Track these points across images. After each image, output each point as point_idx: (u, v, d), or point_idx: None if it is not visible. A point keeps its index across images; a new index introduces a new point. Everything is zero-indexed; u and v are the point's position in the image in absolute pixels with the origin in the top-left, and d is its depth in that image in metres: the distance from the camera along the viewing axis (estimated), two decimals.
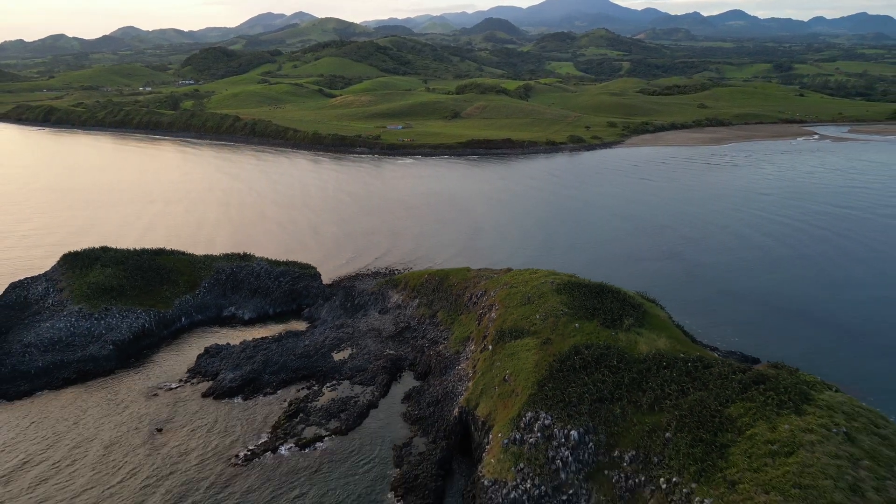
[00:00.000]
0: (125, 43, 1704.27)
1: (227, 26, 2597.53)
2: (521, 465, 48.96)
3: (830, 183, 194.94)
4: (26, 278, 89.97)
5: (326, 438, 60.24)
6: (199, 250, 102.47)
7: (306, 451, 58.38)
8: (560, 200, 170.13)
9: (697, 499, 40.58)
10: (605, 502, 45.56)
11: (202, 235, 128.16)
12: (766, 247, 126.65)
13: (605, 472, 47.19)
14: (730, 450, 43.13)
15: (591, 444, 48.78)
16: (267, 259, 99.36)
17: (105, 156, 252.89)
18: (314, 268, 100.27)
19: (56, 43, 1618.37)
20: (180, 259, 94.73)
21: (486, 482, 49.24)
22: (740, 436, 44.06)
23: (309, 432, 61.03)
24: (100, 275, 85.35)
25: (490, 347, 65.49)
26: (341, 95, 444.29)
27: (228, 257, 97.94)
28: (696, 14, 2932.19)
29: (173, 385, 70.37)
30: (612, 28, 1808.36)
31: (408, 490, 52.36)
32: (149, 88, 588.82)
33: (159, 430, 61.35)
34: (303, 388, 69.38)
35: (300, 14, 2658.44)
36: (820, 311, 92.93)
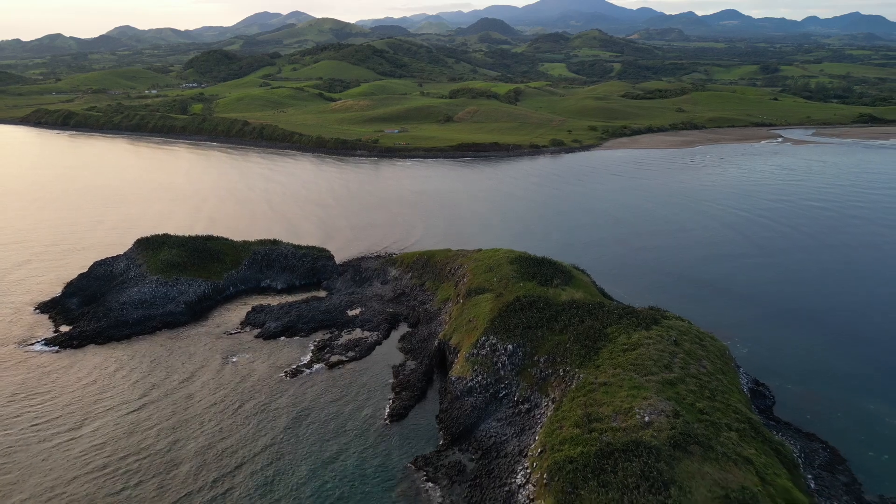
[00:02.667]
0: (122, 42, 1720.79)
1: (224, 25, 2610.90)
2: (476, 367, 75.64)
3: (775, 180, 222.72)
4: (107, 258, 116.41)
5: (346, 362, 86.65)
6: (237, 237, 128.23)
7: (333, 369, 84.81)
8: (532, 196, 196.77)
9: (577, 376, 67.15)
10: (526, 387, 72.12)
11: (237, 225, 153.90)
12: (700, 233, 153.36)
13: (528, 369, 73.75)
14: (601, 350, 69.79)
15: (520, 352, 75.45)
16: (292, 244, 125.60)
17: (134, 159, 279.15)
18: (329, 251, 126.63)
19: (53, 43, 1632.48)
20: (225, 243, 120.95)
21: (453, 378, 75.99)
22: (609, 342, 70.75)
23: (334, 358, 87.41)
24: (168, 254, 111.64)
25: (461, 301, 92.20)
26: (341, 100, 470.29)
27: (262, 242, 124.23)
28: (691, 14, 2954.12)
29: (232, 331, 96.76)
30: (607, 27, 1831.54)
31: (402, 388, 78.91)
32: (154, 91, 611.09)
33: (227, 358, 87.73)
34: (327, 333, 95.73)
35: (296, 13, 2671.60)
36: (723, 281, 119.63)
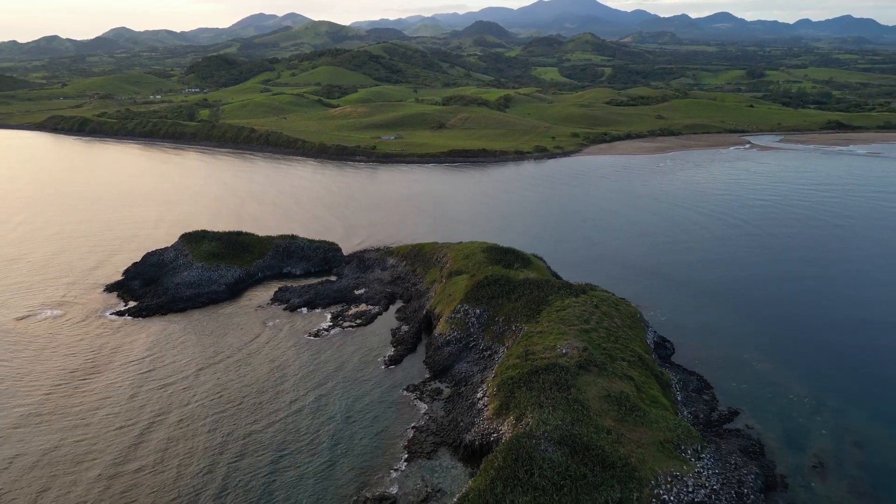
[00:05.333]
0: (119, 44, 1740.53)
1: (219, 27, 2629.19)
2: (453, 326, 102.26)
3: (730, 180, 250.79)
4: (157, 249, 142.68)
5: (355, 327, 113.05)
6: (261, 232, 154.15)
7: (345, 332, 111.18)
8: (511, 198, 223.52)
9: (523, 329, 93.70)
10: (489, 339, 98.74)
11: (259, 222, 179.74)
12: (649, 227, 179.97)
13: (491, 327, 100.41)
14: (541, 311, 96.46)
15: (485, 315, 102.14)
16: (307, 238, 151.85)
17: (155, 165, 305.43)
18: (337, 244, 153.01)
19: (50, 44, 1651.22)
20: (252, 237, 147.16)
21: (436, 335, 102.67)
22: (548, 306, 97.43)
23: (346, 324, 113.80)
24: (209, 246, 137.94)
25: (444, 281, 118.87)
26: (339, 106, 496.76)
27: (282, 237, 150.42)
28: (685, 16, 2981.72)
29: (265, 306, 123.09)
30: (601, 30, 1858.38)
31: (398, 344, 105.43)
32: (159, 97, 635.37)
33: (265, 324, 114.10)
34: (339, 307, 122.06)
35: (292, 15, 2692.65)
36: (660, 265, 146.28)
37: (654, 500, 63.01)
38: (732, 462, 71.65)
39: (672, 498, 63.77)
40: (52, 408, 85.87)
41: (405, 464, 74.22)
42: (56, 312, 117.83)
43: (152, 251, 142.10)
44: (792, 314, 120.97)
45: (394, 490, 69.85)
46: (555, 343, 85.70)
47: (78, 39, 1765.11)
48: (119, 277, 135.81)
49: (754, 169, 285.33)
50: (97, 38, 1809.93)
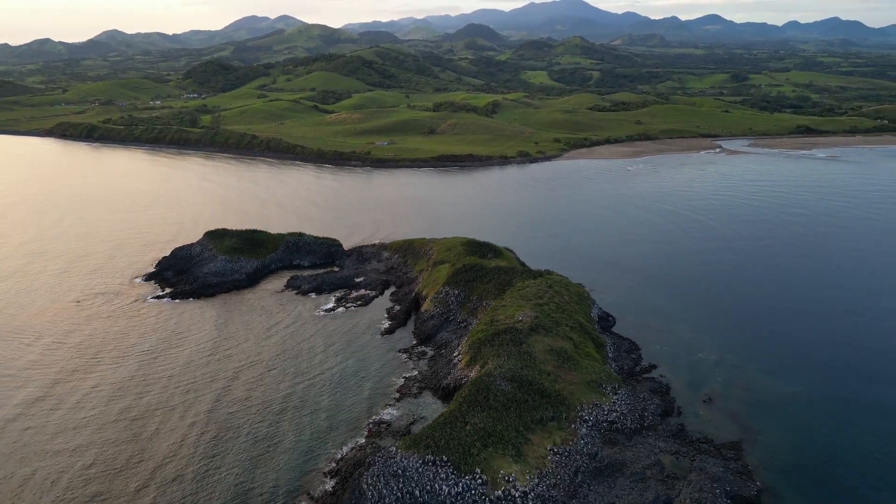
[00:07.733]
0: (112, 47, 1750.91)
1: (212, 29, 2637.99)
2: (436, 304, 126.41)
3: (694, 181, 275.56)
4: (184, 245, 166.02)
5: (356, 307, 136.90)
6: (272, 230, 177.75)
7: (348, 310, 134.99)
8: (492, 199, 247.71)
9: (491, 304, 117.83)
10: (465, 314, 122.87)
11: (269, 221, 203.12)
12: (617, 223, 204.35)
13: (466, 304, 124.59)
14: (506, 291, 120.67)
15: (462, 295, 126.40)
16: (312, 235, 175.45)
17: (170, 170, 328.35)
18: (338, 240, 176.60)
19: (43, 47, 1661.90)
20: (266, 235, 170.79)
21: (422, 311, 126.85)
22: (512, 287, 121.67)
23: (348, 305, 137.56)
24: (230, 241, 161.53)
25: (430, 269, 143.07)
26: (335, 112, 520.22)
27: (291, 234, 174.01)
28: (675, 18, 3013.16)
29: (280, 291, 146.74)
30: (592, 32, 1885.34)
31: (392, 319, 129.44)
32: (159, 102, 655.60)
33: (282, 305, 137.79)
34: (342, 292, 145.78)
35: (284, 17, 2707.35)
36: (615, 256, 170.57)
37: (577, 419, 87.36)
38: (641, 397, 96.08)
39: (591, 418, 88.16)
40: (147, 370, 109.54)
41: (397, 401, 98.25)
42: (106, 297, 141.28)
43: (180, 246, 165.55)
44: (722, 292, 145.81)
45: (388, 418, 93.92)
46: (514, 313, 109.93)
47: (70, 42, 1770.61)
48: (152, 269, 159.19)
49: (720, 171, 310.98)
50: (90, 41, 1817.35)
